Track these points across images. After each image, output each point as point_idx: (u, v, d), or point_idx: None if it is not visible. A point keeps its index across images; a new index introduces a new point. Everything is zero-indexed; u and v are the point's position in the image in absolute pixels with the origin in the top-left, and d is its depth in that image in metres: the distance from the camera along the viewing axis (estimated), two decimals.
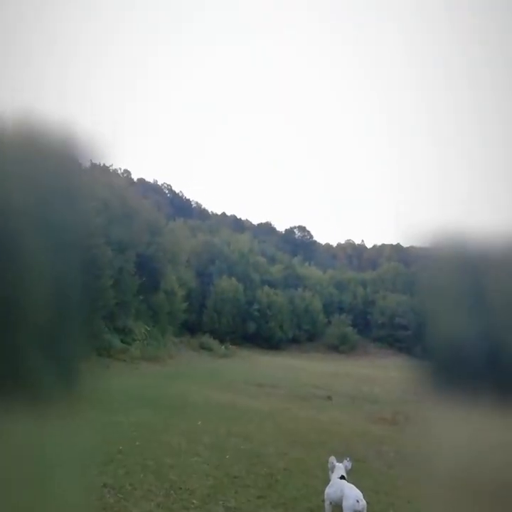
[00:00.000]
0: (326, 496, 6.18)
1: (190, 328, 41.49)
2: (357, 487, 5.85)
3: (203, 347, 37.70)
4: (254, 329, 51.05)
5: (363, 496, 5.70)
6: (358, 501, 5.58)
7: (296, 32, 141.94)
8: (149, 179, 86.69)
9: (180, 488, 6.76)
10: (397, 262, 71.81)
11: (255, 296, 52.78)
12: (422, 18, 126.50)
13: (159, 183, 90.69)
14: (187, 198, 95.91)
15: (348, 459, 6.56)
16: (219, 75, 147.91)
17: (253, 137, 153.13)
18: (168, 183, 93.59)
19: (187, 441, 9.51)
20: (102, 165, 31.19)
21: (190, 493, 6.65)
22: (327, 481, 6.43)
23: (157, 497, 6.35)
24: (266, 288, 54.61)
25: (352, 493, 5.70)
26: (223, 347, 39.69)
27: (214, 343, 39.24)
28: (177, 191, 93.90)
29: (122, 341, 24.37)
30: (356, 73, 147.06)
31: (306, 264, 71.58)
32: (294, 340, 54.90)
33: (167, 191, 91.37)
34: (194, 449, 9.03)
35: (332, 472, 6.41)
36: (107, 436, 8.78)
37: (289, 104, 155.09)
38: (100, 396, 11.91)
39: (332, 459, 6.55)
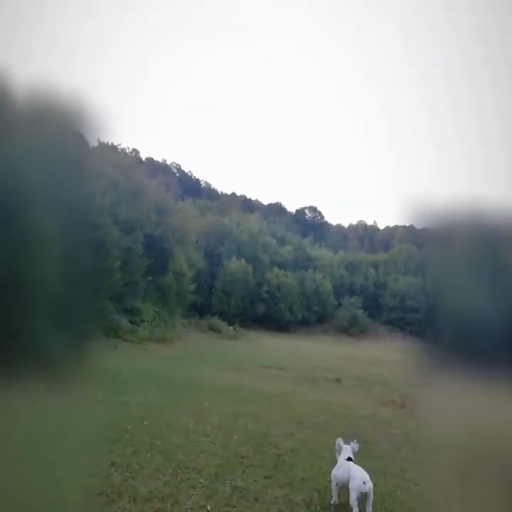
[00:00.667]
0: (332, 477, 6.16)
1: (199, 310, 41.59)
2: (364, 469, 5.82)
3: (212, 329, 37.81)
4: (263, 311, 51.15)
5: (370, 477, 5.67)
6: (364, 483, 5.55)
7: (296, 32, 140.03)
8: (158, 158, 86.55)
9: (188, 468, 6.78)
10: (409, 243, 71.11)
11: (264, 277, 52.76)
12: (422, 18, 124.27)
13: (168, 162, 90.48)
14: (196, 177, 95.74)
15: (355, 440, 6.53)
16: (214, 71, 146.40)
17: (268, 117, 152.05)
18: (176, 162, 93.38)
19: (194, 421, 9.53)
20: (110, 144, 31.07)
21: (198, 472, 6.66)
22: (334, 462, 6.41)
23: (164, 476, 6.36)
24: (275, 269, 54.56)
25: (358, 475, 5.67)
26: (232, 329, 39.81)
27: (222, 325, 39.37)
28: (186, 171, 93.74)
29: (130, 322, 24.47)
30: (356, 73, 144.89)
31: (317, 245, 71.33)
32: (304, 323, 54.98)
33: (176, 171, 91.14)
34: (202, 429, 9.05)
35: (339, 454, 6.39)
36: (114, 416, 8.83)
37: (271, 93, 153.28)
38: (108, 376, 11.99)
39: (339, 440, 6.52)
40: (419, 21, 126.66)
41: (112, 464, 6.52)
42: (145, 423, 8.85)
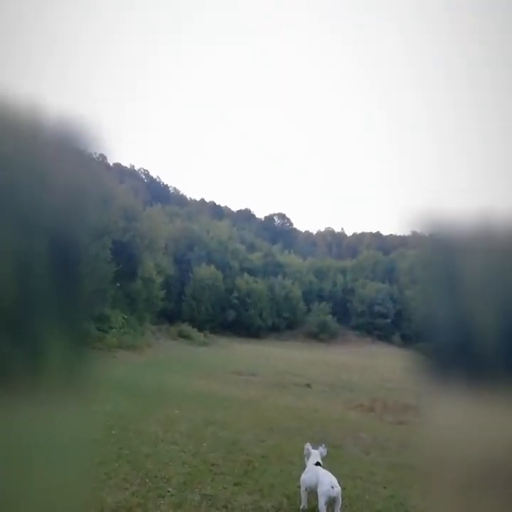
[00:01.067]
0: (301, 482, 6.17)
1: (169, 316, 41.22)
2: (334, 473, 5.85)
3: (182, 335, 37.52)
4: (234, 317, 51.07)
5: (339, 481, 5.69)
6: (332, 487, 5.57)
7: (296, 32, 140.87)
8: (126, 164, 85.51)
9: (156, 477, 6.68)
10: (376, 250, 72.73)
11: (234, 283, 52.75)
12: (422, 18, 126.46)
13: (136, 168, 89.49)
14: (165, 183, 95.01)
15: (323, 445, 6.55)
16: (214, 71, 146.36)
17: (232, 124, 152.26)
18: (145, 168, 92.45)
19: (164, 429, 9.42)
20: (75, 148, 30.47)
21: (166, 481, 6.58)
22: (303, 467, 6.42)
23: (132, 486, 6.26)
24: (245, 275, 54.63)
25: (326, 479, 5.69)
26: (202, 335, 39.62)
27: (193, 331, 39.08)
28: (154, 176, 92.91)
29: (98, 329, 24.05)
30: (356, 73, 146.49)
31: (286, 251, 71.76)
32: (274, 328, 55.14)
33: (144, 176, 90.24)
34: (171, 437, 8.96)
35: (308, 459, 6.41)
36: (81, 426, 8.64)
37: (272, 94, 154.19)
38: (75, 385, 11.74)
39: (308, 445, 6.54)
40: (419, 21, 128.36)
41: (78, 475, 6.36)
42: (113, 432, 8.70)
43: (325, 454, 6.45)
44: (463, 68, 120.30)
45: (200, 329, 41.00)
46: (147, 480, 6.52)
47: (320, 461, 6.26)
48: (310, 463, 6.30)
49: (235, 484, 6.77)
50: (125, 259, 28.26)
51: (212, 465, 7.55)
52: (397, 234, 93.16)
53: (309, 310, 58.19)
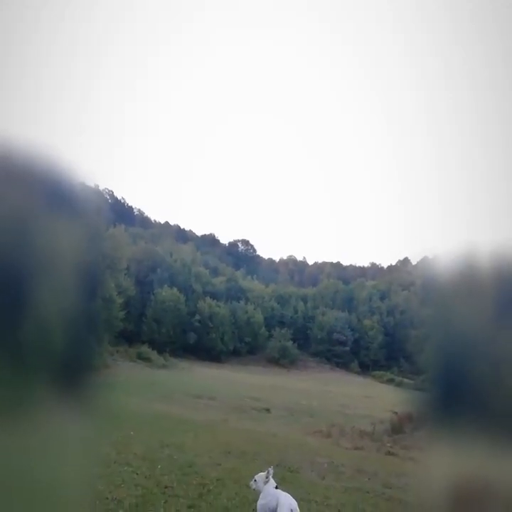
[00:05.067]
0: (259, 508, 6.03)
1: (128, 338, 40.41)
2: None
3: (141, 357, 36.79)
4: (195, 340, 50.56)
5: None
6: (292, 510, 5.51)
7: (296, 32, 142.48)
8: (90, 183, 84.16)
9: (107, 498, 6.45)
10: (336, 279, 74.18)
11: (197, 306, 52.39)
12: (422, 18, 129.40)
13: (100, 188, 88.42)
14: (129, 204, 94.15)
15: (271, 467, 6.45)
16: (210, 77, 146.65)
17: (199, 149, 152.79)
18: (109, 188, 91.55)
19: (117, 451, 9.15)
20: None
21: (117, 502, 6.36)
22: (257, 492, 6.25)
23: (81, 507, 6.02)
24: (208, 299, 54.34)
25: (287, 502, 5.63)
26: (162, 358, 38.95)
27: (152, 354, 38.38)
28: (118, 197, 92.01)
29: None
30: (356, 73, 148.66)
31: (249, 277, 72.13)
32: (235, 353, 54.86)
33: (108, 197, 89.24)
34: (124, 459, 8.71)
35: (265, 483, 6.25)
36: (30, 446, 8.32)
37: (246, 109, 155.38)
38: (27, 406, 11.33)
39: (271, 469, 6.40)
40: (419, 21, 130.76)
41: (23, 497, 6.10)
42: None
43: (271, 473, 6.34)
44: (463, 68, 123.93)
45: (160, 352, 40.35)
46: (97, 502, 6.29)
47: (272, 483, 6.15)
48: (267, 487, 6.19)
49: (189, 507, 6.61)
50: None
51: (166, 487, 7.36)
52: (357, 264, 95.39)
53: (271, 335, 58.25)
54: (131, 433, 11.08)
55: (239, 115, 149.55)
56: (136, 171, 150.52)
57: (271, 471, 6.35)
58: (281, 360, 55.22)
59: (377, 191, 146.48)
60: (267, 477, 6.31)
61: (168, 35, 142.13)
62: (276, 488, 6.14)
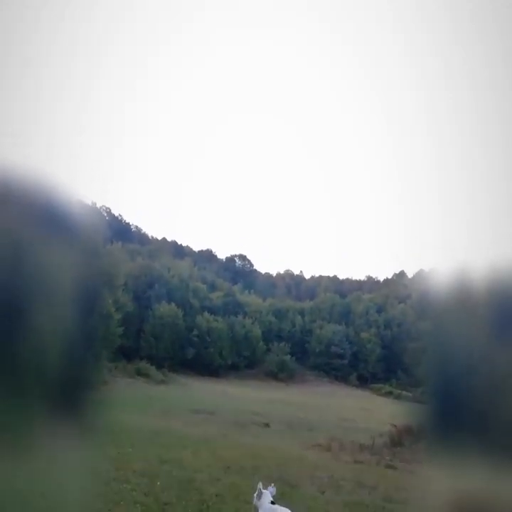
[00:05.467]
0: None
1: (127, 354, 40.24)
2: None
3: (140, 373, 36.60)
4: (193, 355, 50.39)
5: None
6: None
7: (296, 32, 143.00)
8: (86, 201, 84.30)
9: None
10: (333, 292, 74.27)
11: (195, 322, 52.29)
12: (422, 18, 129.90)
13: (98, 205, 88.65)
14: (126, 221, 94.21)
15: (272, 484, 6.49)
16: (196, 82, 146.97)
17: (196, 164, 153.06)
18: (107, 205, 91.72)
19: (116, 468, 9.12)
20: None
21: None
22: (255, 508, 6.29)
23: None
24: (205, 314, 54.26)
25: None
26: (160, 373, 38.76)
27: (151, 369, 38.16)
28: (116, 214, 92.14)
29: None
30: (356, 74, 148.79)
31: (246, 292, 72.09)
32: (233, 367, 54.65)
33: (105, 214, 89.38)
34: (123, 475, 8.67)
35: (259, 499, 6.30)
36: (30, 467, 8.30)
37: (239, 122, 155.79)
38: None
39: (260, 485, 6.45)
40: (419, 21, 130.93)
41: None
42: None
43: (274, 493, 6.38)
44: (463, 68, 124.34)
45: (159, 367, 40.18)
46: None
47: (272, 499, 6.20)
48: (263, 502, 6.22)
49: None
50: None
51: (166, 504, 7.35)
52: (353, 278, 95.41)
53: (269, 349, 58.15)
54: (130, 450, 11.05)
55: (238, 115, 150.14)
56: (133, 186, 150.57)
57: (260, 486, 6.38)
58: (279, 374, 55.03)
59: (375, 202, 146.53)
60: (257, 493, 6.33)
61: (168, 35, 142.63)
62: (273, 503, 6.16)
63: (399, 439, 16.90)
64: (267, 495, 6.25)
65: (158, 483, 8.49)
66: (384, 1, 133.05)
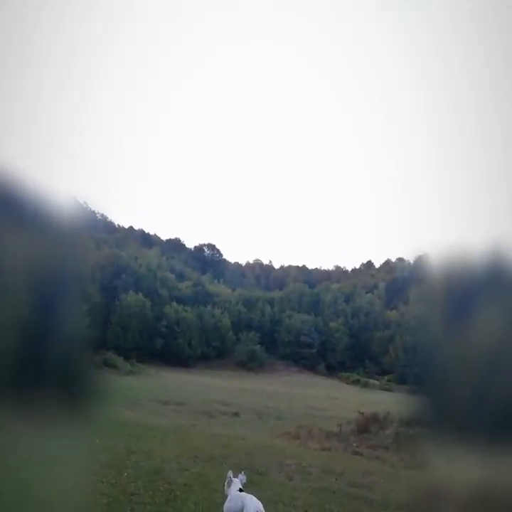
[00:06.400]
0: (224, 510, 6.06)
1: (93, 345, 39.72)
2: (257, 498, 5.81)
3: (107, 364, 36.02)
4: (162, 345, 50.07)
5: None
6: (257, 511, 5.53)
7: (296, 32, 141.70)
8: (51, 189, 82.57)
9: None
10: (302, 282, 74.83)
11: (163, 312, 51.94)
12: (422, 18, 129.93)
13: (63, 193, 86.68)
14: (92, 209, 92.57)
15: (242, 473, 6.50)
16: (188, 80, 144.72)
17: (164, 150, 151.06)
18: (72, 193, 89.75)
19: (82, 459, 8.97)
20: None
21: None
22: (225, 496, 6.30)
23: None
24: (174, 304, 53.97)
25: (252, 505, 5.65)
26: (128, 364, 38.44)
27: (118, 360, 37.71)
28: (81, 202, 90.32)
29: None
30: (356, 74, 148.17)
31: (216, 281, 71.97)
32: (203, 357, 54.55)
33: (72, 202, 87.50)
34: (89, 467, 8.54)
35: (229, 487, 6.31)
36: None
37: (206, 110, 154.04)
38: None
39: (230, 473, 6.45)
40: (419, 21, 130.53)
41: None
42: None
43: (244, 481, 6.40)
44: (463, 68, 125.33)
45: (127, 358, 39.75)
46: None
47: (241, 487, 6.20)
48: (232, 490, 6.22)
49: None
50: None
51: (133, 495, 7.26)
52: (322, 268, 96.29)
53: (238, 339, 58.27)
54: (97, 441, 10.88)
55: (237, 115, 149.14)
56: (99, 174, 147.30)
57: (230, 474, 6.38)
58: (249, 364, 55.21)
59: (356, 194, 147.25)
60: (227, 481, 6.34)
61: (168, 35, 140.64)
62: (241, 490, 6.16)
63: (365, 426, 17.19)
64: (237, 483, 6.25)
65: (125, 474, 8.38)
66: (384, 1, 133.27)
